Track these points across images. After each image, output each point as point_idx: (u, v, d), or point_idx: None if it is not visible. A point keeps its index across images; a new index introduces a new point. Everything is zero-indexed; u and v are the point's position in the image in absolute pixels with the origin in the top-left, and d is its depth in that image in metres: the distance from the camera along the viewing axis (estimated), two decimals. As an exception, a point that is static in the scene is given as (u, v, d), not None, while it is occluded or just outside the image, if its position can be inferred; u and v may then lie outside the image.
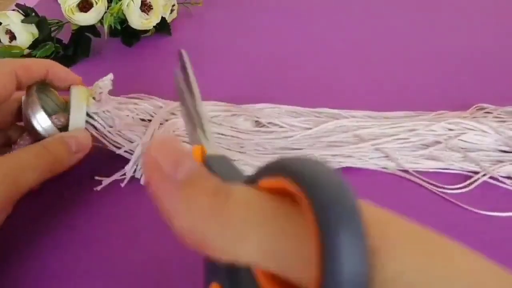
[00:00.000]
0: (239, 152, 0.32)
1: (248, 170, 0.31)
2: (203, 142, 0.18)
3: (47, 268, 0.25)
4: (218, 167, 0.15)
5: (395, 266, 0.10)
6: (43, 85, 0.29)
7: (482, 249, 0.28)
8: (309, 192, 0.10)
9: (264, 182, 0.12)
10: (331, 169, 0.11)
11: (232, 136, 0.33)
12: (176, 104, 0.34)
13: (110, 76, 0.32)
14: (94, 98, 0.30)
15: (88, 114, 0.30)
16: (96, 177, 0.31)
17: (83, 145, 0.28)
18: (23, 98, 0.28)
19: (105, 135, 0.30)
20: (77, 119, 0.29)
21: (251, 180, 0.13)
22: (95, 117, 0.30)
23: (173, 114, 0.34)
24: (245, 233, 0.11)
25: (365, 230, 0.10)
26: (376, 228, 0.10)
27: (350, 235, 0.09)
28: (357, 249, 0.09)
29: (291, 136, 0.34)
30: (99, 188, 0.30)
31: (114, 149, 0.31)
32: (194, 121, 0.19)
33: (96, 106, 0.30)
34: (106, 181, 0.30)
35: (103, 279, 0.25)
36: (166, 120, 0.33)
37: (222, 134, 0.33)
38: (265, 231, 0.11)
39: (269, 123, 0.35)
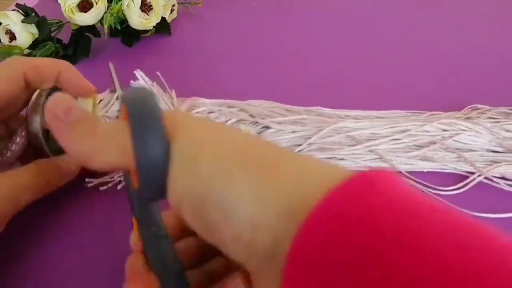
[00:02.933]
0: None
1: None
2: None
3: (44, 269, 0.25)
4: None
5: (176, 145, 0.16)
6: (51, 92, 0.28)
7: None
8: (127, 107, 0.16)
9: (121, 113, 0.18)
10: (147, 92, 0.17)
11: None
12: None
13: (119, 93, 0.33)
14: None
15: None
16: (87, 179, 0.30)
17: (73, 171, 0.28)
18: (32, 98, 0.27)
19: None
20: None
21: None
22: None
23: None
24: (106, 146, 0.17)
25: (161, 125, 0.16)
26: (170, 122, 0.16)
27: (149, 126, 0.16)
28: (154, 135, 0.16)
29: (284, 138, 0.33)
30: (89, 185, 0.30)
31: None
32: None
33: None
34: (96, 181, 0.30)
35: (101, 279, 0.25)
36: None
37: None
38: (116, 143, 0.17)
39: (264, 127, 0.35)
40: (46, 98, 0.27)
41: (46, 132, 0.27)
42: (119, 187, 0.30)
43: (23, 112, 0.28)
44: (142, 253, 0.19)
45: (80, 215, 0.29)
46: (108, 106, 0.32)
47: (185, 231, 0.20)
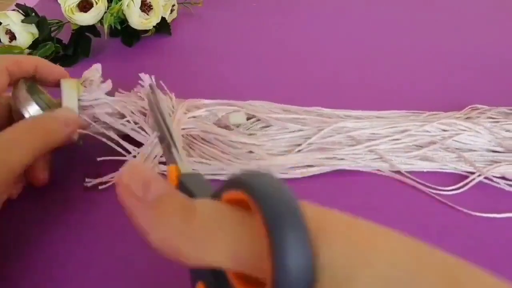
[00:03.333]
0: (225, 158, 0.32)
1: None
2: (178, 161, 0.20)
3: (39, 271, 0.25)
4: (193, 184, 0.17)
5: (328, 253, 0.12)
6: (32, 84, 0.29)
7: (476, 250, 0.28)
8: (257, 200, 0.12)
9: (226, 195, 0.14)
10: (276, 180, 0.13)
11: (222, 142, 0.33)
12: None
13: (97, 65, 0.32)
14: (85, 87, 0.31)
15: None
16: (86, 179, 0.30)
17: (73, 119, 0.28)
18: (12, 92, 0.28)
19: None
20: (69, 105, 0.29)
21: (217, 194, 0.15)
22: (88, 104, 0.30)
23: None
24: (209, 242, 0.13)
25: (306, 226, 0.12)
26: (313, 223, 0.12)
27: (293, 231, 0.11)
28: (300, 242, 0.11)
29: (284, 138, 0.33)
30: (89, 184, 0.30)
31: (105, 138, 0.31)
32: (167, 141, 0.21)
33: (87, 93, 0.30)
34: (95, 181, 0.30)
35: (98, 278, 0.25)
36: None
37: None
38: (224, 238, 0.13)
39: (264, 126, 0.35)
40: (27, 89, 0.28)
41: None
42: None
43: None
44: None
45: (83, 211, 0.29)
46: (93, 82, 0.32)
47: None
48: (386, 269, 0.12)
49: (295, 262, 0.11)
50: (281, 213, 0.12)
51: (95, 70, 0.32)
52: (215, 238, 0.13)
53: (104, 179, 0.30)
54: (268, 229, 0.12)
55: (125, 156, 0.31)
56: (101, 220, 0.28)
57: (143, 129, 0.31)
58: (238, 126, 0.34)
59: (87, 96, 0.30)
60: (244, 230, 0.13)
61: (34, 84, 0.29)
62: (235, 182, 0.14)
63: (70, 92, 0.29)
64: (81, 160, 0.32)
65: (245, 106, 0.36)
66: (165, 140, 0.22)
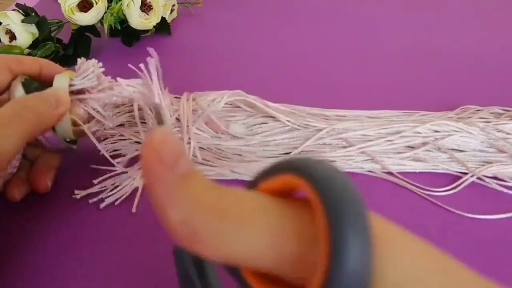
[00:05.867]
0: (219, 159, 0.32)
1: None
2: None
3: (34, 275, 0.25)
4: None
5: (401, 273, 0.11)
6: (29, 80, 0.29)
7: (469, 251, 0.28)
8: (322, 193, 0.11)
9: (265, 184, 0.12)
10: (341, 172, 0.11)
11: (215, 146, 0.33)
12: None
13: (94, 61, 0.31)
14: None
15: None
16: (76, 191, 0.30)
17: (62, 100, 0.27)
18: (10, 88, 0.28)
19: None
20: (59, 86, 0.28)
21: (253, 184, 0.13)
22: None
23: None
24: (243, 226, 0.11)
25: (370, 230, 0.11)
26: (383, 233, 0.11)
27: (358, 232, 0.10)
28: (363, 245, 0.10)
29: (275, 140, 0.34)
30: (78, 197, 0.29)
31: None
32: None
33: (79, 79, 0.29)
34: (83, 192, 0.29)
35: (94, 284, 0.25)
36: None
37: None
38: (265, 229, 0.11)
39: (263, 123, 0.35)
40: (23, 85, 0.27)
41: None
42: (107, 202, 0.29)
43: None
44: None
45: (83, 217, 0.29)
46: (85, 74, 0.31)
47: None
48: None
49: (353, 265, 0.10)
50: (347, 209, 0.10)
51: (90, 63, 0.31)
52: (254, 227, 0.11)
53: (93, 189, 0.30)
54: (329, 224, 0.10)
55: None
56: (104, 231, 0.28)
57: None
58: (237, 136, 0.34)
59: (79, 80, 0.29)
60: (289, 222, 0.11)
61: (31, 80, 0.29)
62: (285, 167, 0.12)
63: (61, 77, 0.28)
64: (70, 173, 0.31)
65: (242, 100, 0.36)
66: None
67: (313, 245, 0.11)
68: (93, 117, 0.30)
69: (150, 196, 0.12)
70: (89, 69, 0.29)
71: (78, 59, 0.30)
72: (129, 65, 0.33)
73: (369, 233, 0.10)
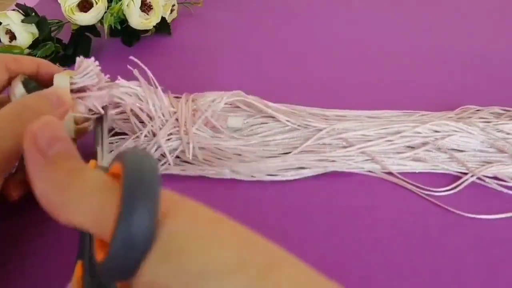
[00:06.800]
0: (219, 159, 0.32)
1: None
2: (98, 158, 0.25)
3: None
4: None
5: (168, 227, 0.14)
6: (28, 80, 0.28)
7: (469, 251, 0.28)
8: (124, 173, 0.14)
9: (111, 169, 0.16)
10: (149, 158, 0.15)
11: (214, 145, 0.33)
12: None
13: (92, 59, 0.31)
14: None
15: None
16: None
17: (64, 99, 0.26)
18: (10, 88, 0.28)
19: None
20: (60, 85, 0.28)
21: (106, 168, 0.17)
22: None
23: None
24: (80, 204, 0.14)
25: (155, 199, 0.13)
26: (167, 202, 0.14)
27: (143, 203, 0.13)
28: (145, 213, 0.13)
29: (274, 140, 0.34)
30: None
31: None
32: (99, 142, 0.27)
33: (79, 77, 0.28)
34: None
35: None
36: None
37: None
38: (92, 202, 0.14)
39: (262, 122, 0.35)
40: (23, 85, 0.27)
41: None
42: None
43: None
44: None
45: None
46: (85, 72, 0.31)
47: None
48: (217, 246, 0.14)
49: (135, 226, 0.13)
50: (139, 182, 0.14)
51: (89, 61, 0.31)
52: (85, 201, 0.14)
53: None
54: (122, 194, 0.13)
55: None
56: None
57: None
58: (235, 130, 0.34)
59: (79, 78, 0.29)
60: (111, 197, 0.14)
61: (30, 80, 0.29)
62: (117, 156, 0.15)
63: (61, 76, 0.28)
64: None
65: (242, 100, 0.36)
66: (98, 142, 0.27)
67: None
68: (90, 118, 0.30)
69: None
70: (89, 67, 0.29)
71: (77, 58, 0.30)
72: (128, 66, 0.33)
73: (154, 203, 0.13)
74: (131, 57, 0.33)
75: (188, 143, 0.32)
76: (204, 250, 0.13)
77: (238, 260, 0.13)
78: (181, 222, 0.14)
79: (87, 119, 0.30)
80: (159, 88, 0.34)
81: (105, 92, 0.30)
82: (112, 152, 0.32)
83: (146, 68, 0.33)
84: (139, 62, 0.34)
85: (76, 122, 0.29)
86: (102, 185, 0.14)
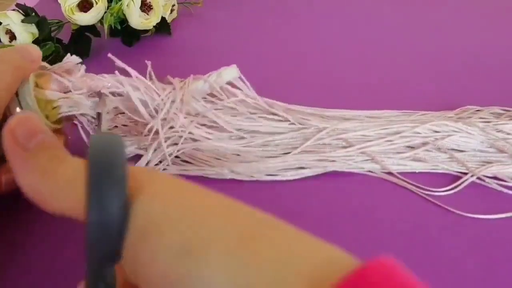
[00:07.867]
0: (219, 159, 0.32)
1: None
2: None
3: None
4: None
5: (148, 216, 0.14)
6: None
7: (469, 251, 0.28)
8: (89, 157, 0.14)
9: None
10: (115, 141, 0.15)
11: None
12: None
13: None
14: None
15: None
16: None
17: (35, 54, 0.27)
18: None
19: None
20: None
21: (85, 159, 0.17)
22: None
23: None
24: (63, 190, 0.14)
25: (122, 181, 0.13)
26: (138, 182, 0.14)
27: (108, 181, 0.13)
28: (112, 192, 0.13)
29: (274, 140, 0.34)
30: None
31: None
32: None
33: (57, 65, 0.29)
34: None
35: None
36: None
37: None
38: (75, 188, 0.14)
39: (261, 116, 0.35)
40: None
41: None
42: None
43: None
44: None
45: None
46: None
47: None
48: (193, 219, 0.13)
49: (104, 209, 0.13)
50: (101, 164, 0.14)
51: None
52: (69, 187, 0.14)
53: None
54: (87, 179, 0.13)
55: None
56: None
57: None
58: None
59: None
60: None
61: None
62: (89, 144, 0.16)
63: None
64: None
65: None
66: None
67: None
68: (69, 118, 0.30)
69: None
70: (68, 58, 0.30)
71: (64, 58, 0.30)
72: (128, 67, 0.33)
73: (121, 184, 0.13)
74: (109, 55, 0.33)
75: (179, 132, 0.32)
76: (182, 227, 0.13)
77: (216, 234, 0.13)
78: (156, 198, 0.14)
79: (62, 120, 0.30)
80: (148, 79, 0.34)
81: (83, 79, 0.30)
82: None
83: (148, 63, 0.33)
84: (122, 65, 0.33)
85: (48, 104, 0.28)
86: (84, 171, 0.15)
